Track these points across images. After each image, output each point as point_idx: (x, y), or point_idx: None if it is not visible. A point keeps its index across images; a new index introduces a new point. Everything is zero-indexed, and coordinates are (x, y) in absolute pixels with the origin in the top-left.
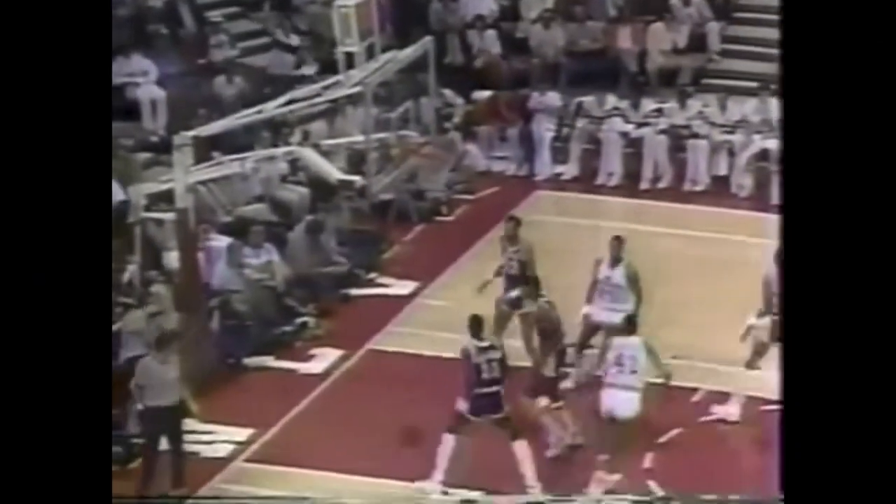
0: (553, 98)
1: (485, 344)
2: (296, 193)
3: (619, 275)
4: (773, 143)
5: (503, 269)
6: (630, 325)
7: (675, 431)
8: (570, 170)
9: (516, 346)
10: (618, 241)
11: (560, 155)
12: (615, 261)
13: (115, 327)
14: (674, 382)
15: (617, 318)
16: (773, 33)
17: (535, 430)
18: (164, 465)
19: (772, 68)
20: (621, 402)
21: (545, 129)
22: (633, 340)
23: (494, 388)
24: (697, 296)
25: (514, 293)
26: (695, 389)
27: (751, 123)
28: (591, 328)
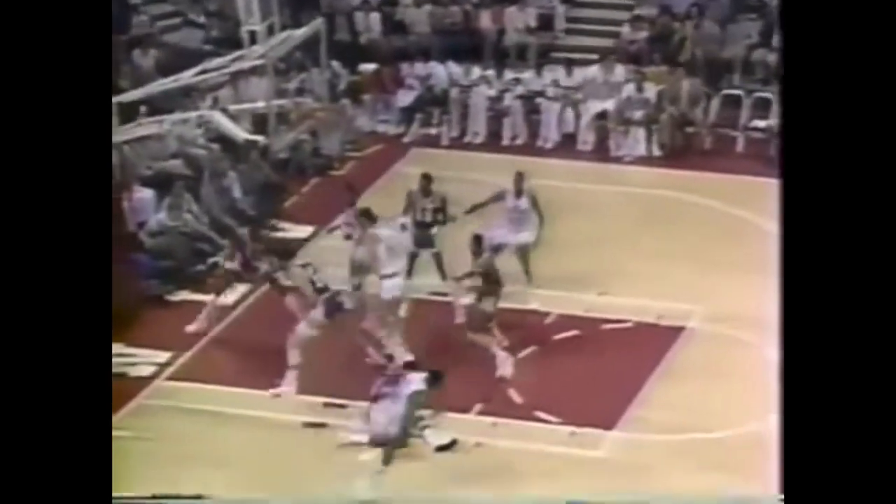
0: (422, 68)
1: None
2: (206, 150)
3: (524, 202)
4: (610, 105)
5: (416, 219)
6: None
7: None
8: (444, 130)
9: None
10: (520, 175)
11: (434, 118)
12: (519, 192)
13: None
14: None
15: (527, 237)
16: (610, 14)
17: (488, 358)
18: None
19: (608, 42)
20: None
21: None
22: None
23: None
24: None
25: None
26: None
27: (595, 85)
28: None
